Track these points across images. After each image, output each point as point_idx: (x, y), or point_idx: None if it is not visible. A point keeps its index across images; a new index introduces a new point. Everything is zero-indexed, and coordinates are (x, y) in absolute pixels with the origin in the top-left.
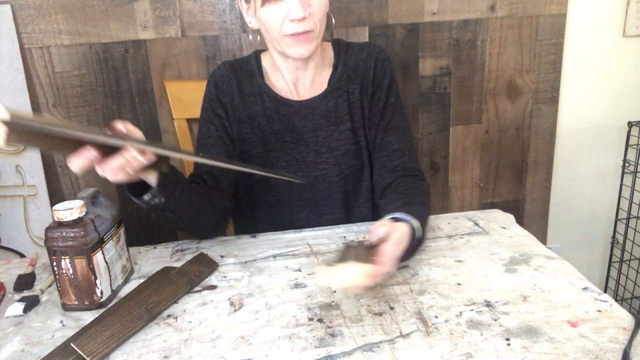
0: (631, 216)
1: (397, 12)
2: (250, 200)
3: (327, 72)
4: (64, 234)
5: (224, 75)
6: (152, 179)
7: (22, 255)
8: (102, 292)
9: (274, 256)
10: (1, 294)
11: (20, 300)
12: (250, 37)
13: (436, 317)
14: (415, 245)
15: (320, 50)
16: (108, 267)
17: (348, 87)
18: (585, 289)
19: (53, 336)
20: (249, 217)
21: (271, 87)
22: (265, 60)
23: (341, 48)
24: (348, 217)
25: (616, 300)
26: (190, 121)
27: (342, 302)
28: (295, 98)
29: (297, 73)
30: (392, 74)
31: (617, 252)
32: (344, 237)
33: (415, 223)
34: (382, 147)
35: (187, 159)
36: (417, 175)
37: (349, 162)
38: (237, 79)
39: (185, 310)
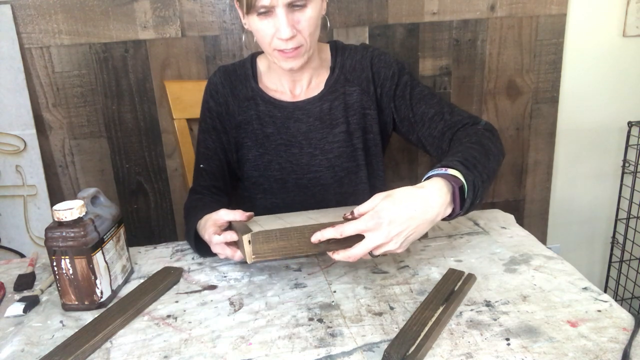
0: (631, 216)
1: (397, 12)
2: (249, 204)
3: (324, 74)
4: (64, 234)
5: (217, 84)
6: None
7: (22, 255)
8: (102, 292)
9: None
10: (1, 294)
11: (20, 300)
12: (244, 38)
13: None
14: (458, 188)
15: (316, 53)
16: (108, 267)
17: (345, 89)
18: (585, 289)
19: (53, 336)
20: None
21: (265, 90)
22: (261, 62)
23: (338, 50)
24: None
25: (616, 300)
26: (190, 121)
27: (342, 302)
28: (291, 99)
29: (293, 76)
30: (392, 63)
31: (617, 252)
32: None
33: (452, 171)
34: (418, 122)
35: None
36: (466, 124)
37: (343, 165)
38: (230, 84)
39: (185, 310)
